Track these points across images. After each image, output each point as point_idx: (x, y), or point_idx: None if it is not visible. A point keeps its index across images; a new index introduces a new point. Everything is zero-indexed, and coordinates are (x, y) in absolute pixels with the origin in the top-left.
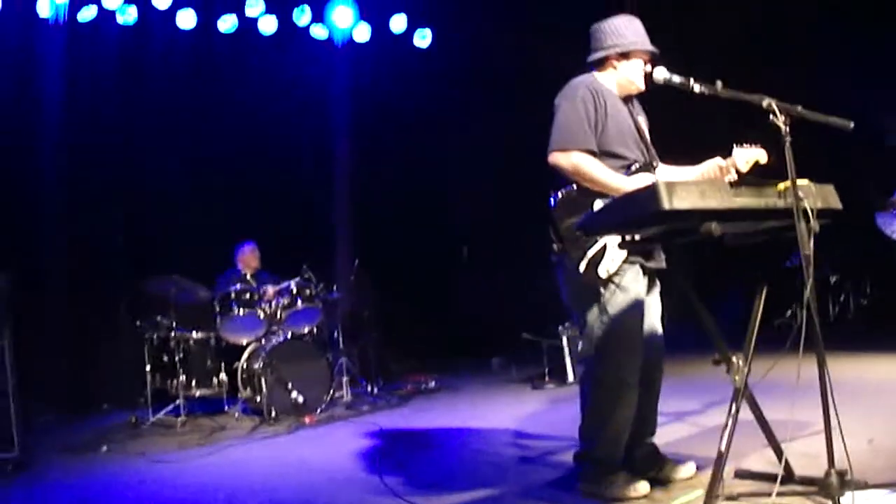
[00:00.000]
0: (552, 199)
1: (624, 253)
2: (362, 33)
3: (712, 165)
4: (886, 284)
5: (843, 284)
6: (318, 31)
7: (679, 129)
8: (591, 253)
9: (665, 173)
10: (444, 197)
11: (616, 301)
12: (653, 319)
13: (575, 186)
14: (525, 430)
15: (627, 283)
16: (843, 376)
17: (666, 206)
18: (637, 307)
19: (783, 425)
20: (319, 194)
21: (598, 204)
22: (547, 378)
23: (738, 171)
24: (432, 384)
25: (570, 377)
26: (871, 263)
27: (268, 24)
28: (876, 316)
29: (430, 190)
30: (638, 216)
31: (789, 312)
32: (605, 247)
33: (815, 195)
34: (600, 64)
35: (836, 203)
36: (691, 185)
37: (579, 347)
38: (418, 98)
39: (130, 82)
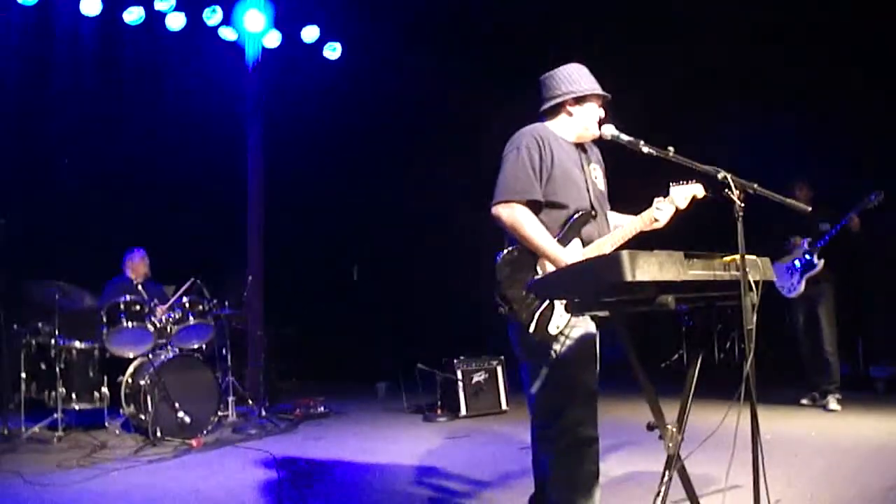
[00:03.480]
0: (496, 258)
1: None
2: (273, 40)
3: (651, 210)
4: (773, 336)
5: (730, 333)
6: (228, 33)
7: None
8: (538, 312)
9: (613, 220)
10: (347, 214)
11: (569, 354)
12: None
13: (517, 246)
14: (427, 466)
15: (578, 334)
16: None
17: (628, 277)
18: (590, 357)
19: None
20: (220, 203)
21: (546, 266)
22: (439, 410)
23: (676, 210)
24: (321, 409)
25: (463, 410)
26: (762, 314)
27: (176, 21)
28: (764, 365)
29: (330, 206)
30: (597, 284)
31: (676, 356)
32: (552, 304)
33: (758, 268)
34: (553, 112)
35: (771, 276)
36: (651, 257)
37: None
38: (325, 110)
39: (28, 67)
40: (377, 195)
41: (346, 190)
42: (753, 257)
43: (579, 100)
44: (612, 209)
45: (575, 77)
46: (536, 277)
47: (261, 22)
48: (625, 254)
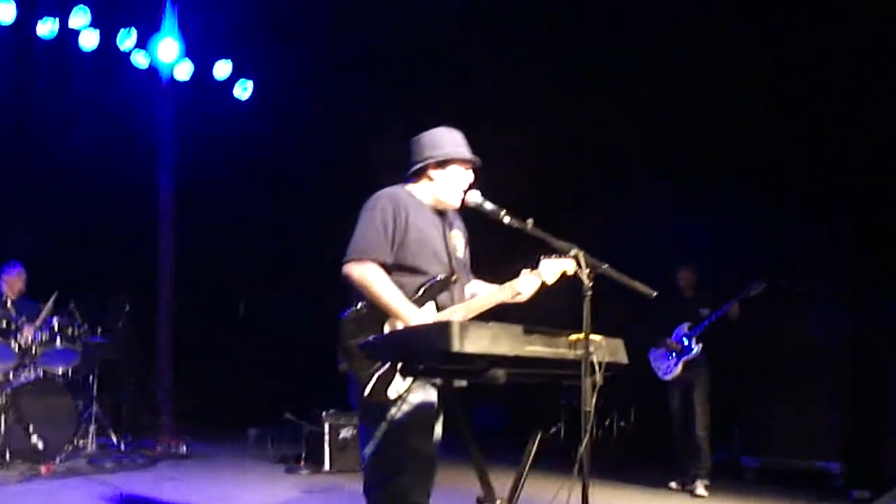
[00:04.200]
0: (342, 314)
1: None
2: (184, 71)
3: (515, 281)
4: (649, 416)
5: (609, 410)
6: (140, 59)
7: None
8: (377, 374)
9: (474, 288)
10: (247, 249)
11: (404, 419)
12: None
13: (366, 304)
14: None
15: (417, 399)
16: None
17: (455, 347)
18: (426, 424)
19: None
20: (109, 228)
21: (389, 326)
22: (303, 462)
23: (543, 284)
24: (183, 449)
25: (327, 465)
26: (638, 393)
27: (89, 39)
28: (636, 444)
29: (232, 239)
30: (425, 351)
31: (554, 429)
32: (394, 367)
33: (604, 349)
34: (416, 175)
35: (623, 358)
36: (484, 329)
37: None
38: (233, 144)
39: None
40: (278, 234)
41: (248, 225)
42: (600, 338)
43: (441, 164)
44: (489, 280)
45: (440, 141)
46: (371, 338)
47: (174, 51)
48: (455, 323)
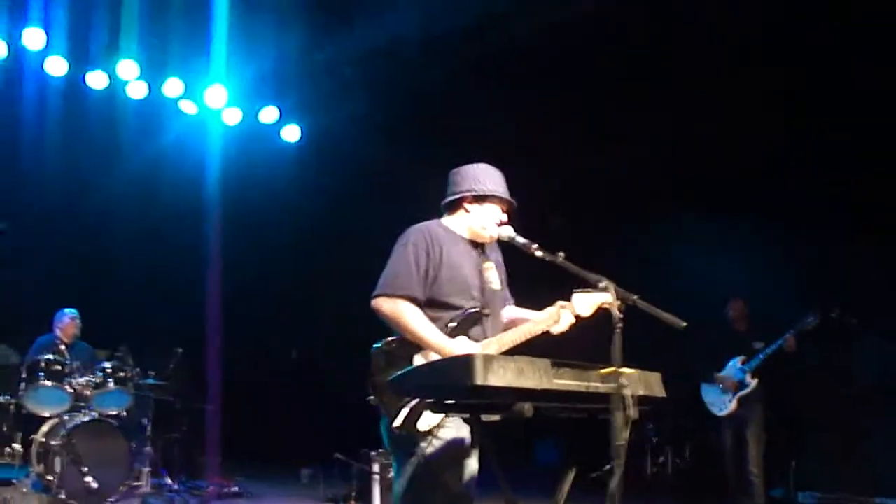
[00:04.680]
0: (373, 348)
1: None
2: (233, 116)
3: (549, 312)
4: (704, 452)
5: (664, 446)
6: (188, 106)
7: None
8: (407, 407)
9: (511, 313)
10: (292, 297)
11: (435, 455)
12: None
13: (396, 337)
14: None
15: (449, 435)
16: None
17: (479, 381)
18: (457, 460)
19: None
20: (166, 274)
21: (418, 359)
22: (352, 501)
23: (578, 317)
24: (234, 489)
25: (377, 503)
26: (693, 429)
27: (137, 90)
28: (692, 480)
29: (279, 289)
30: (450, 385)
31: (608, 466)
32: (424, 400)
33: (638, 382)
34: (452, 207)
35: (659, 391)
36: (510, 362)
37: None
38: (282, 190)
39: None
40: (327, 280)
41: (297, 271)
42: (632, 371)
43: (479, 198)
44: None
45: (480, 177)
46: (398, 373)
47: (223, 97)
48: (478, 356)
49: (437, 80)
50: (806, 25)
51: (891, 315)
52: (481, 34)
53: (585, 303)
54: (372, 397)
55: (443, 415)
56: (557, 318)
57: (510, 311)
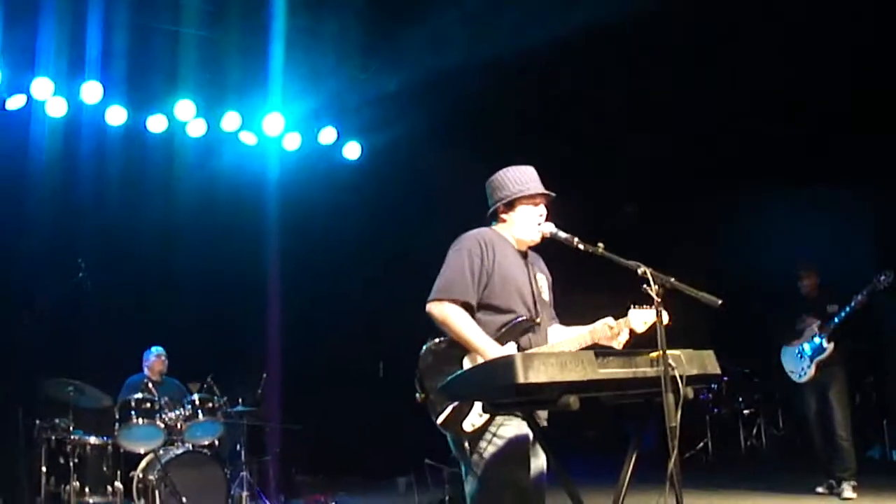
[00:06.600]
0: (422, 348)
1: None
2: (292, 142)
3: (602, 326)
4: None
5: (757, 417)
6: (247, 137)
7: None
8: (451, 406)
9: (557, 332)
10: (367, 311)
11: (498, 453)
12: (541, 465)
13: (445, 338)
14: None
15: (510, 433)
16: None
17: (520, 379)
18: (521, 456)
19: None
20: (240, 303)
21: (466, 362)
22: None
23: (632, 332)
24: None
25: None
26: (784, 398)
27: (197, 128)
28: (789, 448)
29: (353, 305)
30: (494, 386)
31: (701, 444)
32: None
33: (689, 362)
34: (494, 218)
35: (713, 369)
36: (551, 358)
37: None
38: (346, 209)
39: (56, 176)
40: (398, 291)
41: (366, 285)
42: (685, 351)
43: (509, 205)
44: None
45: (504, 182)
46: (447, 379)
47: (280, 124)
48: (517, 355)
49: (491, 87)
50: None
51: None
52: (530, 45)
53: (640, 319)
54: (419, 395)
55: (487, 416)
56: (618, 331)
57: (557, 331)
